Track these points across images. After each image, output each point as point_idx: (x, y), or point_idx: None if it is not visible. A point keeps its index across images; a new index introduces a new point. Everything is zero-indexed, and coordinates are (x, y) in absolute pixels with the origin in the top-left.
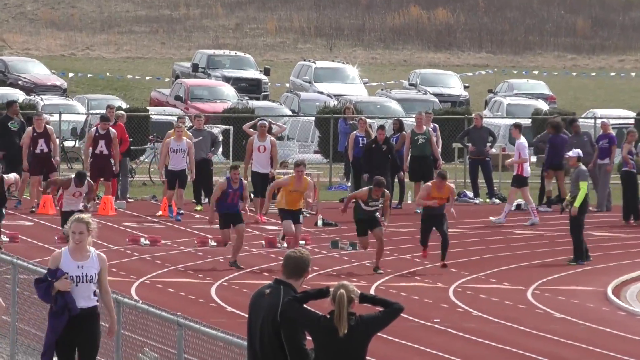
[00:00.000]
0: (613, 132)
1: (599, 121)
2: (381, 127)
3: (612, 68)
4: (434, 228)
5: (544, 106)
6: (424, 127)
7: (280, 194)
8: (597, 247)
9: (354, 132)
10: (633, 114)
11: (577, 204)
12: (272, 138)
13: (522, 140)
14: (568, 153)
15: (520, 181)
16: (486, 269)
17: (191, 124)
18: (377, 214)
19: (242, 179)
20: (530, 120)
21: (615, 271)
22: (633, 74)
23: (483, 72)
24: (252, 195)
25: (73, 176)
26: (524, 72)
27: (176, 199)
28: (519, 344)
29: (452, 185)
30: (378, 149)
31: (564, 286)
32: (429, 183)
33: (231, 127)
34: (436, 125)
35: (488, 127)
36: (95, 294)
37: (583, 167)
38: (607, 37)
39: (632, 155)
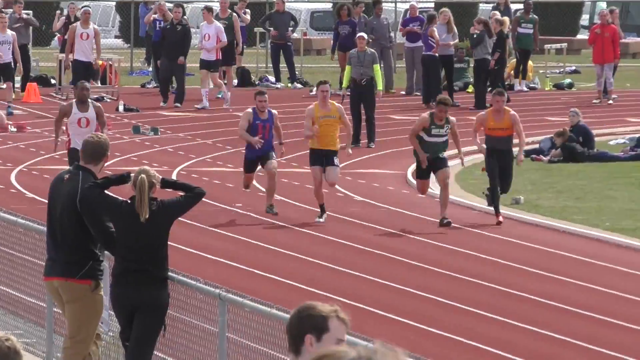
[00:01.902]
0: (423, 16)
1: (401, 5)
2: (177, 5)
3: None
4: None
5: None
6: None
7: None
8: (397, 130)
9: (153, 15)
10: None
11: (380, 86)
12: (96, 27)
13: (217, 25)
14: (361, 34)
15: (207, 65)
16: (289, 152)
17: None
18: (443, 151)
19: (270, 109)
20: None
21: (406, 155)
22: None
23: None
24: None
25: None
26: None
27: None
28: (318, 227)
29: (513, 112)
30: (173, 30)
31: (364, 169)
32: (482, 112)
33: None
34: None
35: (290, 11)
36: None
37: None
38: None
39: (432, 39)
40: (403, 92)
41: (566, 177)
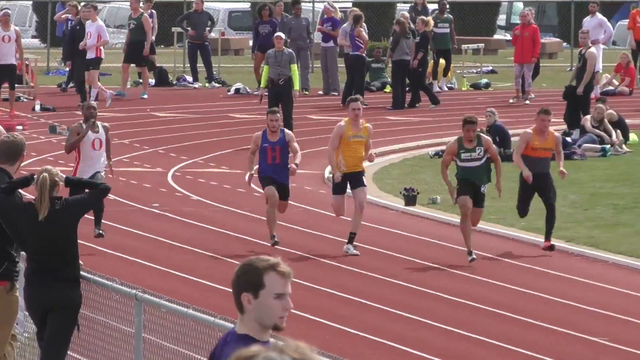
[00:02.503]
0: (337, 16)
1: (319, 5)
2: (86, 5)
3: None
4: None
5: None
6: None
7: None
8: (315, 130)
9: (65, 15)
10: None
11: (296, 86)
12: (17, 28)
13: (99, 23)
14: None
15: (89, 63)
16: (205, 153)
17: None
18: (486, 178)
19: (285, 128)
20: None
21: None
22: None
23: None
24: None
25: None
26: None
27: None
28: (237, 227)
29: (557, 134)
30: (82, 29)
31: None
32: (528, 130)
33: None
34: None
35: (207, 11)
36: None
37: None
38: None
39: (359, 39)
40: (321, 92)
41: None
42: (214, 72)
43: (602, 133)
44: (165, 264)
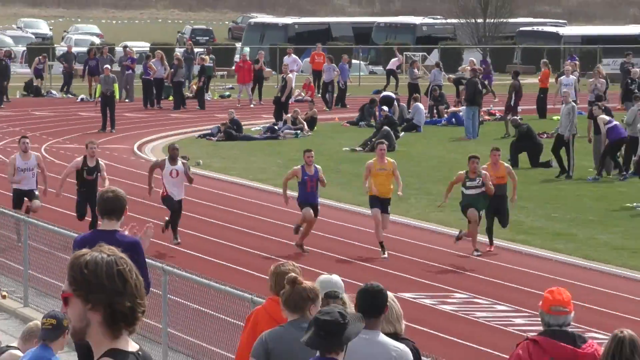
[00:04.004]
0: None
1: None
2: None
3: None
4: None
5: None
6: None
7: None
8: (131, 124)
9: None
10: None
11: (117, 96)
12: None
13: None
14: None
15: None
16: (63, 135)
17: None
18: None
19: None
20: None
21: (138, 136)
22: None
23: None
24: None
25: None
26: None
27: None
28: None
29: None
30: None
31: (110, 145)
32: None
33: None
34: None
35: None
36: None
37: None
38: None
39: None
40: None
41: (228, 149)
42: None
43: None
44: None
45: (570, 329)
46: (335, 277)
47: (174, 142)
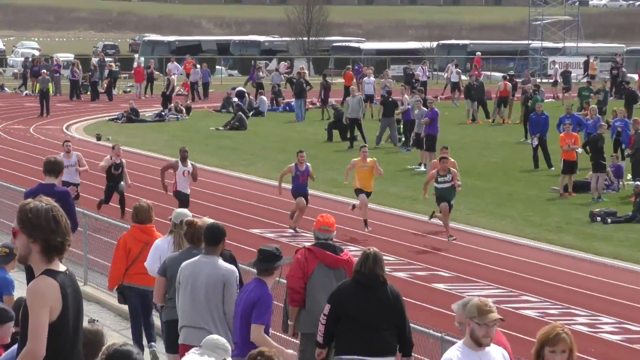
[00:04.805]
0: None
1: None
2: None
3: None
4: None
5: None
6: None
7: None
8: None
9: None
10: None
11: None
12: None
13: None
14: None
15: None
16: (14, 119)
17: None
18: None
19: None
20: None
21: (66, 120)
22: None
23: None
24: None
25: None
26: None
27: None
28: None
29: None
30: None
31: (44, 126)
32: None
33: None
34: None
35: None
36: None
37: None
38: None
39: None
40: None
41: (129, 129)
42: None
43: None
44: None
45: (332, 243)
46: (184, 211)
47: (184, 146)
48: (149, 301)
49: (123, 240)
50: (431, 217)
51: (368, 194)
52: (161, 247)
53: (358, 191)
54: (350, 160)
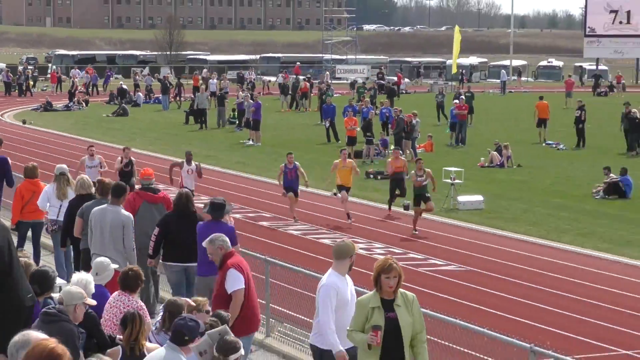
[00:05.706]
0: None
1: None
2: None
3: None
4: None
5: None
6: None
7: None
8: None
9: None
10: None
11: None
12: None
13: None
14: None
15: None
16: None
17: None
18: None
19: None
20: None
21: (1, 109)
22: None
23: None
24: None
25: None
26: None
27: None
28: None
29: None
30: None
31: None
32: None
33: None
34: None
35: None
36: None
37: None
38: None
39: None
40: None
41: (46, 116)
42: None
43: None
44: None
45: (152, 187)
46: (63, 166)
47: (189, 150)
48: (38, 231)
49: (19, 189)
50: (406, 208)
51: (347, 189)
52: (48, 191)
53: (340, 187)
54: (334, 162)
